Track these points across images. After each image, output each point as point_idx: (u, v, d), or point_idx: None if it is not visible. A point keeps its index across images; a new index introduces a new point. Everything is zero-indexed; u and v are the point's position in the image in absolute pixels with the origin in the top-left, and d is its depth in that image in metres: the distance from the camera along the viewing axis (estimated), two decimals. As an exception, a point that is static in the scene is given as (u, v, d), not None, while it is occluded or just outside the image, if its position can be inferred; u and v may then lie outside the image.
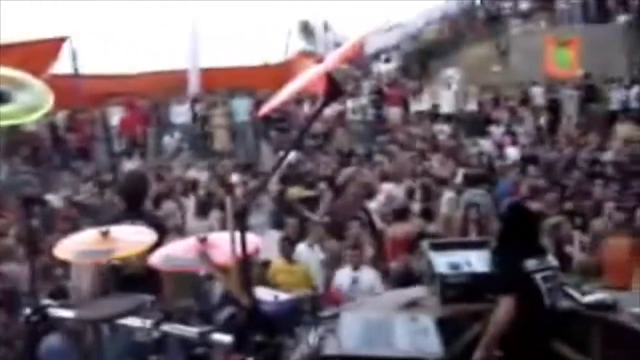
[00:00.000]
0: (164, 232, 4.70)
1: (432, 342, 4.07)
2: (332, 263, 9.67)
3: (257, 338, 3.04)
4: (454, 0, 31.93)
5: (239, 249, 3.01)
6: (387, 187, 13.03)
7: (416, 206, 11.99)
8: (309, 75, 3.17)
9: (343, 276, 8.32)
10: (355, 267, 8.24)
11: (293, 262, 9.15)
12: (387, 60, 29.22)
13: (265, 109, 3.68)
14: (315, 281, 9.16)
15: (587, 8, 24.45)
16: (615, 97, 20.05)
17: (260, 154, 19.51)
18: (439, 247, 6.47)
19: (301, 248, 9.67)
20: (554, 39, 21.80)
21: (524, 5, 27.28)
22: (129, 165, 17.96)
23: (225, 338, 3.17)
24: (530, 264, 5.20)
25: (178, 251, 3.44)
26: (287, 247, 9.26)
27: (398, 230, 10.26)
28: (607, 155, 15.49)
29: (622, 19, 23.01)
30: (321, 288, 9.26)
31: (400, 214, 10.75)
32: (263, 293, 3.64)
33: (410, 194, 12.95)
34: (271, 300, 3.65)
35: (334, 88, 3.02)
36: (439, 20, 30.37)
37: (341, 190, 12.96)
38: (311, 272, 9.19)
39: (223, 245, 3.18)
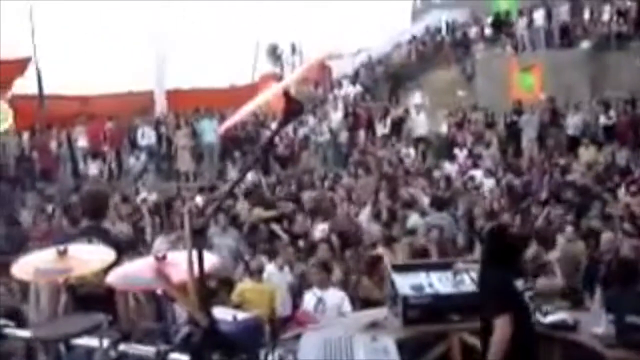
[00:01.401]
0: (123, 250, 4.64)
1: (392, 361, 4.06)
2: (303, 285, 9.67)
3: (214, 357, 3.02)
4: (421, 25, 32.28)
5: (196, 268, 2.99)
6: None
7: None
8: (267, 94, 3.17)
9: (309, 296, 8.27)
10: (321, 287, 8.19)
11: (260, 281, 9.11)
12: (354, 83, 29.37)
13: (225, 126, 3.68)
14: (279, 303, 9.09)
15: (551, 34, 24.76)
16: (572, 122, 20.21)
17: (225, 175, 19.41)
18: (401, 268, 6.48)
19: (270, 269, 9.62)
20: (517, 64, 22.12)
21: (489, 31, 27.58)
22: (92, 167, 18.01)
23: (183, 358, 3.14)
24: (519, 284, 5.28)
25: (135, 270, 3.40)
26: (258, 265, 9.26)
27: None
28: (570, 179, 15.64)
29: (585, 44, 23.32)
30: (288, 310, 9.23)
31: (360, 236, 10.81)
32: (221, 312, 3.61)
33: (376, 216, 13.03)
34: (229, 319, 3.63)
35: (293, 106, 3.02)
36: (406, 44, 30.58)
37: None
38: (277, 294, 9.12)
39: (181, 263, 3.15)
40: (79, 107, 20.91)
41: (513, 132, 20.91)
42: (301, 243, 11.61)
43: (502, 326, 5.12)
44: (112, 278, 3.48)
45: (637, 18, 23.06)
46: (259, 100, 3.21)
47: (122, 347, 3.39)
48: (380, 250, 10.03)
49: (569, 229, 10.55)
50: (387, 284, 6.49)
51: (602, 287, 6.43)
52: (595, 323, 5.88)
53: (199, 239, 3.03)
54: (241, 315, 3.80)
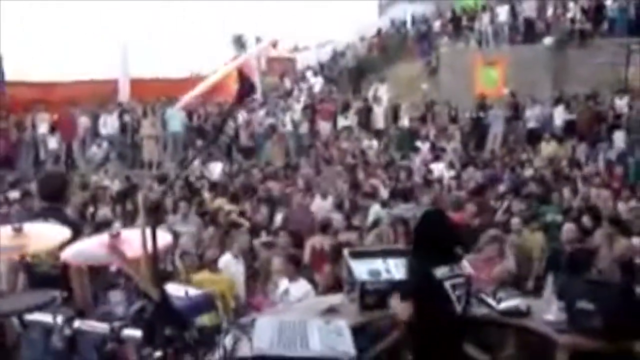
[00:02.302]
0: (79, 231, 4.65)
1: (345, 343, 4.12)
2: (264, 273, 9.72)
3: (166, 332, 3.05)
4: (387, 18, 32.38)
5: (149, 244, 3.03)
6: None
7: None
8: (222, 73, 3.21)
9: (278, 287, 8.34)
10: (290, 279, 8.24)
11: (217, 272, 9.09)
12: (316, 74, 29.47)
13: (180, 104, 3.71)
14: (238, 291, 9.13)
15: (514, 30, 24.99)
16: (533, 116, 20.49)
17: (189, 164, 19.37)
18: (359, 255, 6.53)
19: (226, 258, 9.63)
20: (481, 59, 22.30)
21: (453, 25, 27.75)
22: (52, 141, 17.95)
23: (136, 333, 3.16)
24: (440, 272, 5.29)
25: (90, 246, 3.42)
26: (211, 258, 9.23)
27: (318, 242, 10.34)
28: (531, 172, 15.86)
29: (547, 40, 23.56)
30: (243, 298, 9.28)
31: (323, 227, 10.84)
32: (174, 288, 3.65)
33: (338, 206, 13.13)
34: (182, 295, 3.67)
35: (246, 85, 3.06)
36: (371, 37, 30.67)
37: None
38: (235, 283, 9.15)
39: (134, 240, 3.18)
40: (40, 94, 20.72)
41: (478, 127, 21.16)
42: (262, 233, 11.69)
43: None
44: (67, 254, 3.50)
45: (596, 15, 23.35)
46: (215, 77, 3.25)
47: (76, 324, 3.39)
48: (345, 236, 10.14)
49: (515, 220, 10.76)
50: (344, 270, 6.54)
51: (554, 275, 6.52)
52: (548, 309, 5.98)
53: (153, 216, 3.07)
54: (193, 291, 3.84)
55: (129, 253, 3.18)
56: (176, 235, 10.43)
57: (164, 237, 3.38)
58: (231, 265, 9.53)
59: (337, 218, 12.03)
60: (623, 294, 5.51)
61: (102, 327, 3.32)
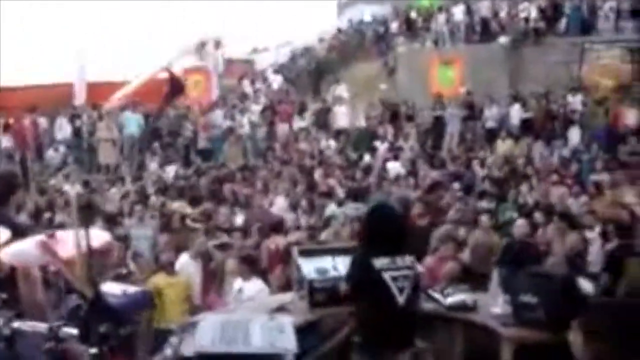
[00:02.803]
0: (22, 234, 4.63)
1: (287, 339, 4.17)
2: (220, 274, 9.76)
3: (101, 329, 3.07)
4: (345, 19, 32.47)
5: (83, 243, 3.05)
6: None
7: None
8: (152, 73, 3.24)
9: (232, 287, 8.39)
10: (243, 278, 8.29)
11: (173, 275, 9.07)
12: (277, 72, 29.56)
13: (109, 103, 3.72)
14: (194, 292, 9.13)
15: (470, 29, 25.20)
16: (491, 115, 20.72)
17: (145, 168, 19.29)
18: (308, 253, 6.58)
19: (184, 259, 9.63)
20: (438, 58, 22.47)
21: (410, 25, 27.93)
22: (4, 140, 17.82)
23: (74, 331, 3.18)
24: (380, 262, 5.37)
25: (25, 246, 3.44)
26: (168, 261, 9.20)
27: (273, 243, 10.38)
28: (487, 171, 16.04)
29: (502, 39, 23.80)
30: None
31: (276, 227, 10.90)
32: (110, 287, 3.68)
33: (294, 207, 13.20)
34: (118, 292, 3.69)
35: (175, 84, 3.09)
36: (330, 37, 30.75)
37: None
38: (191, 284, 9.15)
39: (69, 240, 3.20)
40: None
41: (435, 126, 21.34)
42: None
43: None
44: (4, 255, 3.52)
45: (552, 14, 23.64)
46: (145, 77, 3.27)
47: (16, 324, 3.40)
48: (295, 236, 10.22)
49: (483, 218, 10.88)
50: (293, 269, 6.59)
51: (499, 269, 6.63)
52: (494, 303, 6.08)
53: (86, 215, 3.09)
54: (130, 289, 3.86)
55: (62, 253, 3.20)
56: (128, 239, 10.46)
57: (100, 237, 3.41)
58: (188, 266, 9.53)
59: (291, 218, 12.13)
60: (564, 286, 5.62)
61: (41, 326, 3.33)
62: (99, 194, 15.30)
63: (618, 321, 3.05)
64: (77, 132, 21.00)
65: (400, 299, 5.36)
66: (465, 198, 13.33)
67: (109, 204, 13.91)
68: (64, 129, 20.88)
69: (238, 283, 8.24)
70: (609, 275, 7.69)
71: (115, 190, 15.15)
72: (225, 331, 4.23)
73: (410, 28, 27.86)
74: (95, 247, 3.19)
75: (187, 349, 4.33)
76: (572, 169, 15.85)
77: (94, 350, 3.06)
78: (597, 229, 10.55)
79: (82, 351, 3.10)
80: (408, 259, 5.47)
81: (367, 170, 16.71)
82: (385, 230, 5.54)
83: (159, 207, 13.17)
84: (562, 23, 23.40)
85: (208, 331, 4.22)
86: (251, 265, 8.61)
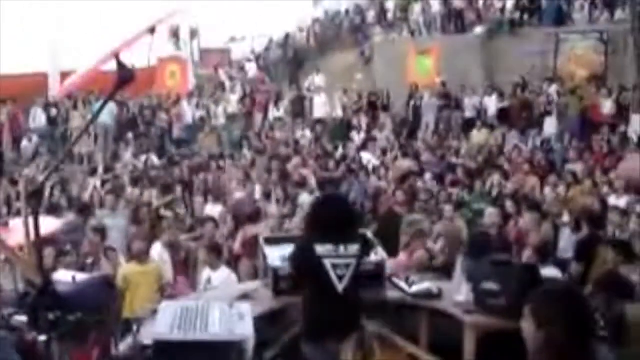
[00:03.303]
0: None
1: (245, 326, 4.16)
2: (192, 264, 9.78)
3: (50, 317, 3.06)
4: (322, 8, 32.37)
5: (32, 231, 3.03)
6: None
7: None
8: (99, 59, 3.21)
9: (201, 276, 8.42)
10: (212, 267, 8.32)
11: (145, 264, 9.02)
12: (253, 61, 29.50)
13: (61, 91, 3.69)
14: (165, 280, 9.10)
15: (445, 19, 25.25)
16: (470, 105, 20.82)
17: (118, 158, 19.18)
18: (273, 241, 6.60)
19: (157, 247, 9.60)
20: (414, 48, 22.48)
21: (387, 16, 27.91)
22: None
23: (24, 318, 3.17)
24: (322, 249, 5.39)
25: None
26: (139, 250, 9.13)
27: (249, 231, 10.38)
28: (458, 160, 16.10)
29: (478, 30, 23.88)
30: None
31: (252, 216, 10.89)
32: (61, 274, 3.66)
33: (267, 196, 13.19)
34: (68, 280, 3.67)
35: (124, 73, 3.07)
36: (307, 27, 30.67)
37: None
38: (163, 272, 9.11)
39: (20, 229, 3.18)
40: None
41: (412, 116, 21.41)
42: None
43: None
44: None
45: (527, 5, 23.72)
46: (95, 64, 3.24)
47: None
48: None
49: (447, 207, 10.94)
50: (259, 257, 6.61)
51: (463, 257, 6.66)
52: (458, 291, 6.12)
53: (34, 203, 3.06)
54: (81, 276, 3.84)
55: (12, 240, 3.19)
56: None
57: (51, 224, 3.39)
58: (160, 255, 9.51)
59: (265, 207, 12.12)
60: (526, 273, 5.66)
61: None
62: (73, 183, 15.22)
63: (565, 306, 3.10)
64: (51, 122, 20.87)
65: (339, 287, 5.37)
66: (438, 188, 13.39)
67: (83, 194, 13.86)
68: (38, 119, 20.73)
69: (206, 273, 8.26)
70: (579, 264, 7.78)
71: (91, 180, 15.03)
72: (183, 318, 4.21)
73: (386, 18, 27.85)
74: (46, 234, 3.17)
75: (146, 337, 4.32)
76: (544, 159, 15.89)
77: (43, 338, 3.06)
78: (567, 218, 10.69)
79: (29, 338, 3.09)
80: (353, 248, 5.46)
81: (342, 160, 16.70)
82: (330, 218, 5.55)
83: (132, 197, 13.13)
84: (538, 13, 23.46)
85: (166, 319, 4.21)
86: (219, 255, 8.63)
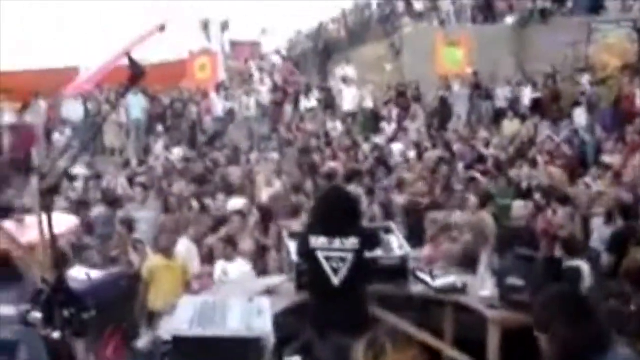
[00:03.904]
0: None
1: (263, 322, 4.17)
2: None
3: (65, 314, 3.07)
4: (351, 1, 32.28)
5: (46, 228, 3.04)
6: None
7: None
8: (109, 58, 3.22)
9: (216, 268, 8.43)
10: (227, 259, 8.34)
11: (171, 257, 9.04)
12: (279, 52, 29.49)
13: (70, 88, 3.71)
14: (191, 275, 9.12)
15: (476, 9, 25.04)
16: (502, 95, 20.63)
17: (150, 151, 19.28)
18: (296, 236, 6.58)
19: (184, 241, 9.62)
20: (444, 39, 22.29)
21: (417, 6, 27.70)
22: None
23: (38, 315, 3.19)
24: (317, 241, 5.44)
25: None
26: (166, 243, 9.16)
27: (285, 226, 10.38)
28: (490, 151, 15.93)
29: (509, 19, 23.66)
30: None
31: (291, 211, 10.90)
32: (76, 271, 3.68)
33: (296, 189, 13.13)
34: (82, 278, 3.69)
35: (135, 70, 3.07)
36: (336, 19, 30.58)
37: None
38: (189, 267, 9.13)
39: (35, 225, 3.20)
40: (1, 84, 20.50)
41: (442, 107, 21.27)
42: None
43: None
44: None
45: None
46: (103, 62, 3.25)
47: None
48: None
49: (473, 199, 10.83)
50: (284, 251, 6.61)
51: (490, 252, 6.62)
52: (483, 286, 6.07)
53: (48, 200, 3.07)
54: (95, 274, 3.86)
55: (22, 238, 3.21)
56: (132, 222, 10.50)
57: (66, 221, 3.41)
58: (186, 250, 9.54)
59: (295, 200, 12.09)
60: (548, 267, 5.61)
61: (9, 310, 3.35)
62: (107, 176, 15.35)
63: (560, 309, 3.10)
64: (87, 115, 21.01)
65: (335, 280, 5.38)
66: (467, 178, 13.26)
67: (115, 187, 13.99)
68: (72, 111, 20.89)
69: (221, 265, 8.30)
70: (611, 256, 7.71)
71: (123, 173, 15.16)
72: (202, 314, 4.23)
73: (415, 8, 27.67)
74: (60, 232, 3.19)
75: (165, 333, 4.34)
76: (575, 151, 15.70)
77: (56, 334, 3.07)
78: (599, 210, 10.55)
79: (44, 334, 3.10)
80: (351, 242, 5.44)
81: (373, 151, 16.64)
82: (326, 211, 5.62)
83: (163, 190, 13.18)
84: (569, 2, 23.18)
85: (186, 314, 4.23)
86: (234, 247, 8.66)
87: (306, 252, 5.48)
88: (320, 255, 5.37)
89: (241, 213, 10.93)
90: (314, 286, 5.53)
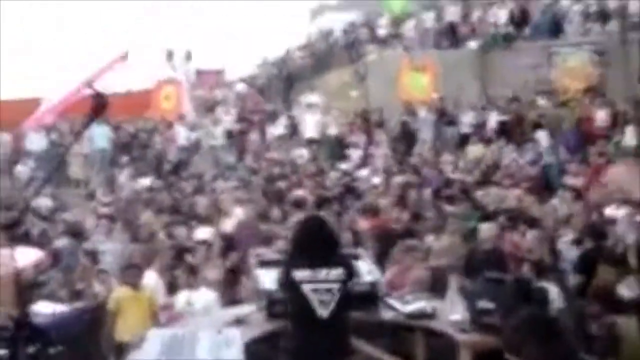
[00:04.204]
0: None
1: (233, 354, 4.12)
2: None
3: (29, 350, 3.01)
4: (316, 27, 32.44)
5: (9, 263, 2.98)
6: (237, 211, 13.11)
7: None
8: (71, 88, 3.18)
9: (179, 298, 8.35)
10: (191, 289, 8.29)
11: (138, 289, 8.93)
12: (247, 81, 29.52)
13: (29, 122, 3.65)
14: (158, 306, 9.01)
15: (439, 34, 25.27)
16: (466, 121, 20.75)
17: (114, 181, 19.12)
18: (267, 264, 6.53)
19: (150, 273, 9.51)
20: (409, 64, 22.43)
21: (380, 32, 27.91)
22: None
23: (3, 351, 3.12)
24: (301, 274, 5.33)
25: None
26: (133, 274, 9.04)
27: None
28: (456, 176, 16.01)
29: (472, 44, 23.90)
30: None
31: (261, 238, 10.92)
32: (42, 306, 3.61)
33: (262, 217, 13.09)
34: (48, 312, 3.63)
35: (99, 101, 3.03)
36: (301, 46, 30.70)
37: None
38: (156, 299, 9.03)
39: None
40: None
41: (406, 132, 21.32)
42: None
43: None
44: None
45: (520, 19, 23.72)
46: (63, 92, 3.21)
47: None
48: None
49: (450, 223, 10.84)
50: (252, 279, 6.55)
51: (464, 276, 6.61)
52: (453, 310, 6.06)
53: (11, 234, 3.02)
54: (60, 308, 3.80)
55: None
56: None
57: (28, 255, 3.35)
58: (157, 280, 9.43)
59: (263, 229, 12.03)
60: (518, 289, 5.61)
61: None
62: (72, 208, 15.21)
63: (529, 333, 3.12)
64: (51, 146, 20.81)
65: (324, 313, 5.29)
66: (435, 202, 13.32)
67: (80, 219, 13.83)
68: (35, 143, 20.71)
69: (184, 294, 8.23)
70: (580, 276, 7.76)
71: (89, 205, 15.04)
72: (171, 347, 4.18)
73: (379, 35, 27.87)
74: (23, 265, 3.13)
75: (131, 365, 4.28)
76: (539, 173, 15.85)
77: (22, 371, 3.01)
78: (566, 232, 10.62)
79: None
80: (336, 272, 5.37)
81: (340, 178, 16.67)
82: (308, 241, 5.54)
83: (129, 221, 13.06)
84: (530, 27, 23.48)
85: (154, 347, 4.17)
86: (195, 276, 8.61)
87: (288, 284, 5.37)
88: (306, 287, 5.25)
89: (206, 242, 10.89)
90: (297, 318, 5.41)
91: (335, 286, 5.32)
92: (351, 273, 5.52)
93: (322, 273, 5.31)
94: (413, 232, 10.99)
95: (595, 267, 7.42)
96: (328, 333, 5.28)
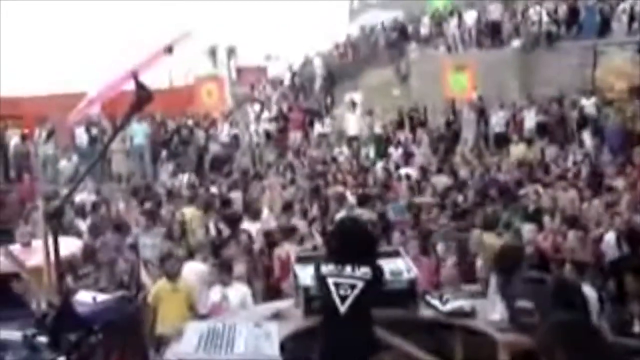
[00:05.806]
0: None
1: (271, 347, 4.12)
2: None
3: (70, 337, 3.05)
4: (357, 25, 32.37)
5: (51, 251, 3.02)
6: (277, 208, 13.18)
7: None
8: (114, 80, 3.20)
9: (214, 293, 8.40)
10: (224, 285, 8.33)
11: (176, 281, 8.99)
12: (281, 83, 29.58)
13: (73, 115, 3.69)
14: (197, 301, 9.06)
15: (482, 33, 25.11)
16: (504, 120, 20.62)
17: (157, 177, 19.31)
18: (304, 260, 6.52)
19: (191, 265, 9.57)
20: (450, 64, 22.36)
21: (422, 31, 27.82)
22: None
23: (44, 339, 3.16)
24: (327, 268, 5.44)
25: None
26: (171, 265, 9.11)
27: (283, 250, 10.38)
28: (500, 177, 15.87)
29: (514, 43, 23.71)
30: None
31: (286, 234, 10.88)
32: (82, 295, 3.65)
33: (304, 213, 13.13)
34: (88, 301, 3.65)
35: (142, 93, 3.04)
36: (343, 44, 30.68)
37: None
38: (194, 290, 9.08)
39: (41, 249, 3.18)
40: (8, 110, 20.60)
41: (448, 131, 21.29)
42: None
43: None
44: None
45: (568, 19, 23.44)
46: (106, 86, 3.24)
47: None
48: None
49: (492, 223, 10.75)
50: (291, 275, 6.56)
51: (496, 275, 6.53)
52: (492, 309, 6.01)
53: (54, 223, 3.05)
54: (101, 297, 3.82)
55: (28, 262, 3.18)
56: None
57: (71, 245, 3.38)
58: (198, 273, 9.49)
59: (302, 225, 12.05)
60: (557, 290, 5.54)
61: (14, 334, 3.30)
62: (116, 202, 15.37)
63: (561, 336, 3.09)
64: (93, 141, 21.09)
65: (342, 307, 5.33)
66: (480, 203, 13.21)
67: (123, 213, 14.03)
68: (79, 138, 21.00)
69: (218, 290, 8.27)
70: (615, 281, 7.65)
71: (132, 200, 15.18)
72: (209, 338, 4.19)
73: (421, 34, 27.79)
74: (65, 255, 3.16)
75: (171, 358, 4.30)
76: (584, 173, 15.63)
77: (62, 359, 3.04)
78: (609, 234, 10.46)
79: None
80: (363, 271, 5.41)
81: (381, 176, 16.65)
82: (338, 241, 5.69)
83: (168, 215, 13.15)
84: (575, 26, 23.22)
85: (193, 337, 4.19)
86: (229, 271, 8.63)
87: (318, 278, 5.48)
88: (330, 281, 5.35)
89: (248, 237, 10.93)
90: (324, 312, 5.52)
91: (360, 284, 5.35)
92: (378, 274, 5.54)
93: (347, 269, 5.38)
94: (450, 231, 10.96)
95: (623, 275, 7.29)
96: (347, 328, 5.32)
